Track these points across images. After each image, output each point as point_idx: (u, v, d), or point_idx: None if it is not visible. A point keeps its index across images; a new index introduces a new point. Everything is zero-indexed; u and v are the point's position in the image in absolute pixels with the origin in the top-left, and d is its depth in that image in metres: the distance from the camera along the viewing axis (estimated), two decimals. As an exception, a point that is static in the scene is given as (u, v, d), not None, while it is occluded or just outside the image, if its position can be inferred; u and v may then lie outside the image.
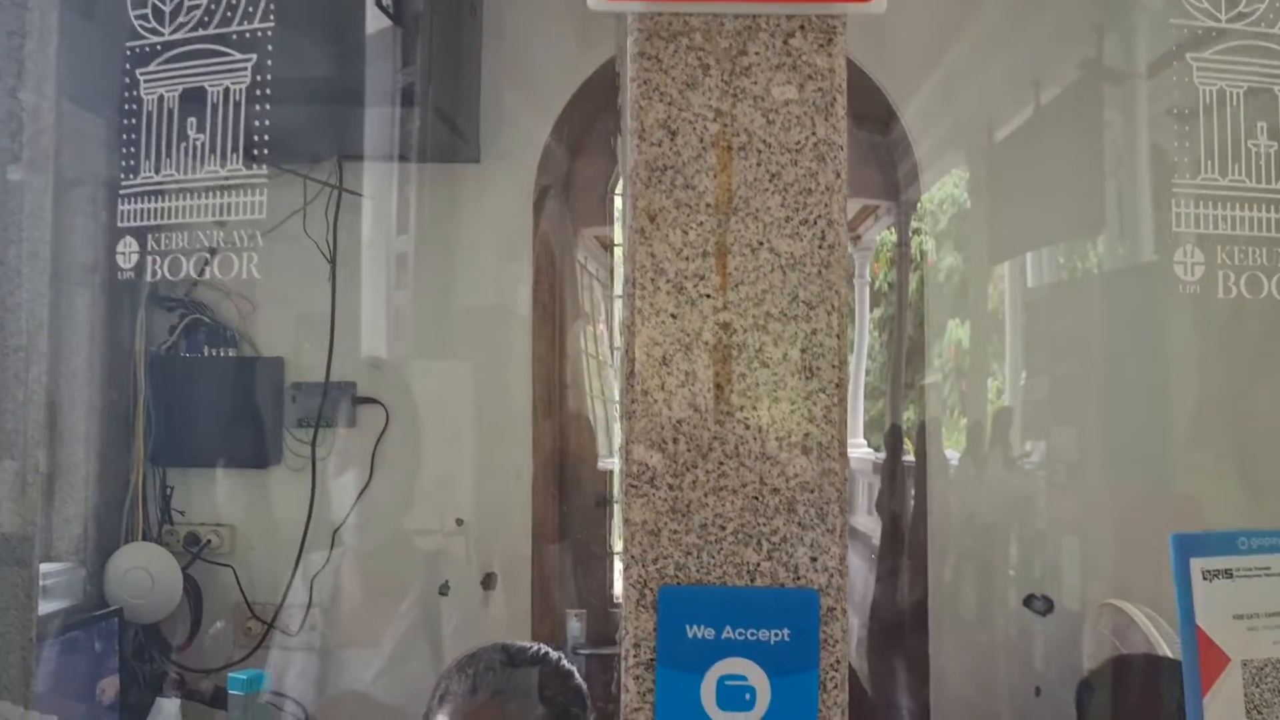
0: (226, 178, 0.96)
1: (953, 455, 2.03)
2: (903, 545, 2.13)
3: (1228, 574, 0.90)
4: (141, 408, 2.10)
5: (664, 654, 0.74)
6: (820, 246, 0.77)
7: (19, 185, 1.05)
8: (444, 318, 2.13)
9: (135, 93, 1.00)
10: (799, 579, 0.75)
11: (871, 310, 2.60)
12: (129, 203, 0.99)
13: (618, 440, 0.91)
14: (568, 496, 2.21)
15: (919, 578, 2.01)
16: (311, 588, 2.04)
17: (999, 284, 1.97)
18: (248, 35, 0.95)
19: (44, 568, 1.83)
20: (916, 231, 2.16)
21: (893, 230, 2.38)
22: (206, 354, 2.12)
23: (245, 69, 0.95)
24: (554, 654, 1.16)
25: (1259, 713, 0.89)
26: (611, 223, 2.46)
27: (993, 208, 1.97)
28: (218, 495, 2.11)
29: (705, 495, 0.75)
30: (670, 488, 0.76)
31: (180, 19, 0.97)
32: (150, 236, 0.98)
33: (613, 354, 2.50)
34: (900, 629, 2.08)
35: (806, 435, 0.76)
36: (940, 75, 1.95)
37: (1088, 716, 1.57)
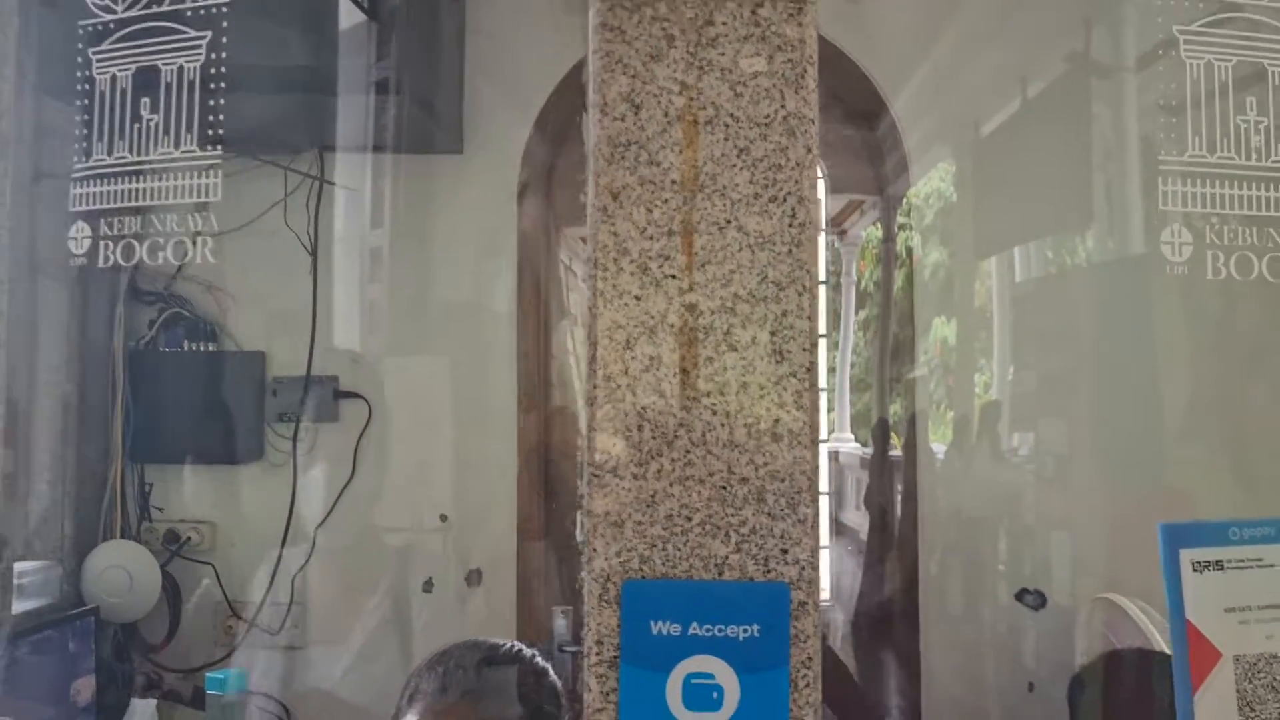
0: (180, 159, 0.93)
1: (939, 449, 2.01)
2: (891, 539, 2.11)
3: (1219, 565, 0.87)
4: (120, 403, 2.07)
5: (628, 651, 0.71)
6: (791, 224, 0.74)
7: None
8: (428, 311, 2.10)
9: (88, 73, 0.97)
10: (769, 572, 0.72)
11: (858, 312, 2.57)
12: (81, 186, 0.96)
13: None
14: (553, 493, 2.18)
15: (907, 571, 1.98)
16: (293, 585, 2.01)
17: (986, 280, 1.94)
18: (203, 12, 0.92)
19: (19, 566, 1.80)
20: (903, 227, 2.14)
21: (878, 226, 2.35)
22: (186, 348, 2.09)
23: (200, 46, 0.92)
24: (528, 651, 1.13)
25: (1251, 709, 0.85)
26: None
27: (979, 202, 1.94)
28: (197, 492, 2.08)
29: (671, 485, 0.72)
30: (634, 477, 0.72)
31: (134, -6, 0.94)
32: (104, 221, 0.95)
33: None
34: (889, 623, 2.06)
35: (776, 422, 0.72)
36: (928, 69, 1.93)
37: (1080, 713, 1.54)
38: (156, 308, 2.12)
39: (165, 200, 0.96)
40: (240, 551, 2.06)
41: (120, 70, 0.94)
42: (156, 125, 0.93)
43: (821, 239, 2.53)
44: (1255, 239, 0.90)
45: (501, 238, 2.11)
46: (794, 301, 0.73)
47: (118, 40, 0.94)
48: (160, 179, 0.94)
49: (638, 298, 0.73)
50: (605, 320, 0.73)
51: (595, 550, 0.72)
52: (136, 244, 0.98)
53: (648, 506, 0.72)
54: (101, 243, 0.97)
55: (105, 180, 0.94)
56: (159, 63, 0.92)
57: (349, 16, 1.52)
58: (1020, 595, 1.90)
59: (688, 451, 0.72)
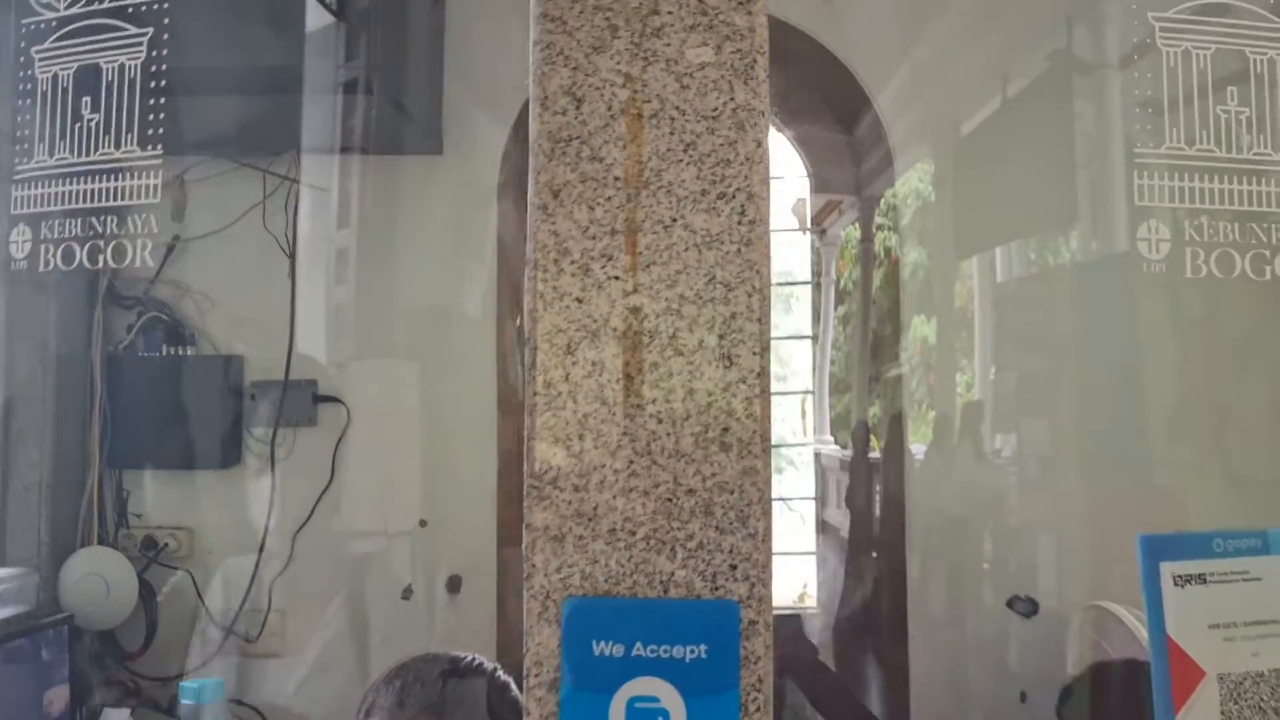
0: (120, 159, 0.90)
1: (919, 449, 1.97)
2: (871, 541, 2.07)
3: (1201, 579, 0.83)
4: (98, 408, 2.04)
5: (568, 673, 0.67)
6: (740, 222, 0.70)
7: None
8: (407, 314, 2.07)
9: (30, 72, 0.94)
10: (717, 589, 0.68)
11: (837, 307, 2.54)
12: (23, 188, 0.93)
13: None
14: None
15: (893, 578, 1.94)
16: (271, 592, 1.98)
17: (967, 280, 1.90)
18: (144, 9, 0.88)
19: (-8, 573, 1.78)
20: (880, 228, 2.11)
21: (857, 226, 2.32)
22: (165, 353, 2.07)
23: (140, 44, 0.88)
24: (489, 664, 1.10)
25: (1236, 730, 0.81)
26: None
27: (960, 202, 1.91)
28: (176, 498, 2.05)
29: (614, 497, 0.68)
30: (575, 489, 0.69)
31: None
32: (44, 223, 0.92)
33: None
34: (871, 628, 2.02)
35: (725, 430, 0.69)
36: (908, 68, 1.89)
37: (1070, 724, 1.50)
38: (135, 312, 2.09)
39: (103, 203, 0.92)
40: (218, 558, 2.03)
41: (63, 69, 0.91)
42: (97, 125, 0.90)
43: (808, 239, 2.51)
44: (1237, 235, 0.86)
45: (480, 240, 2.08)
46: (744, 303, 0.69)
47: (60, 38, 0.91)
48: (99, 180, 0.91)
49: (579, 300, 0.70)
50: (545, 324, 0.70)
51: (534, 566, 0.69)
52: (78, 247, 0.95)
53: (589, 520, 0.68)
54: (41, 246, 0.93)
55: (46, 183, 0.91)
56: (100, 60, 0.89)
57: (319, 17, 1.49)
58: (1011, 603, 1.86)
59: (631, 462, 0.69)
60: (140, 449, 2.05)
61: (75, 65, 0.91)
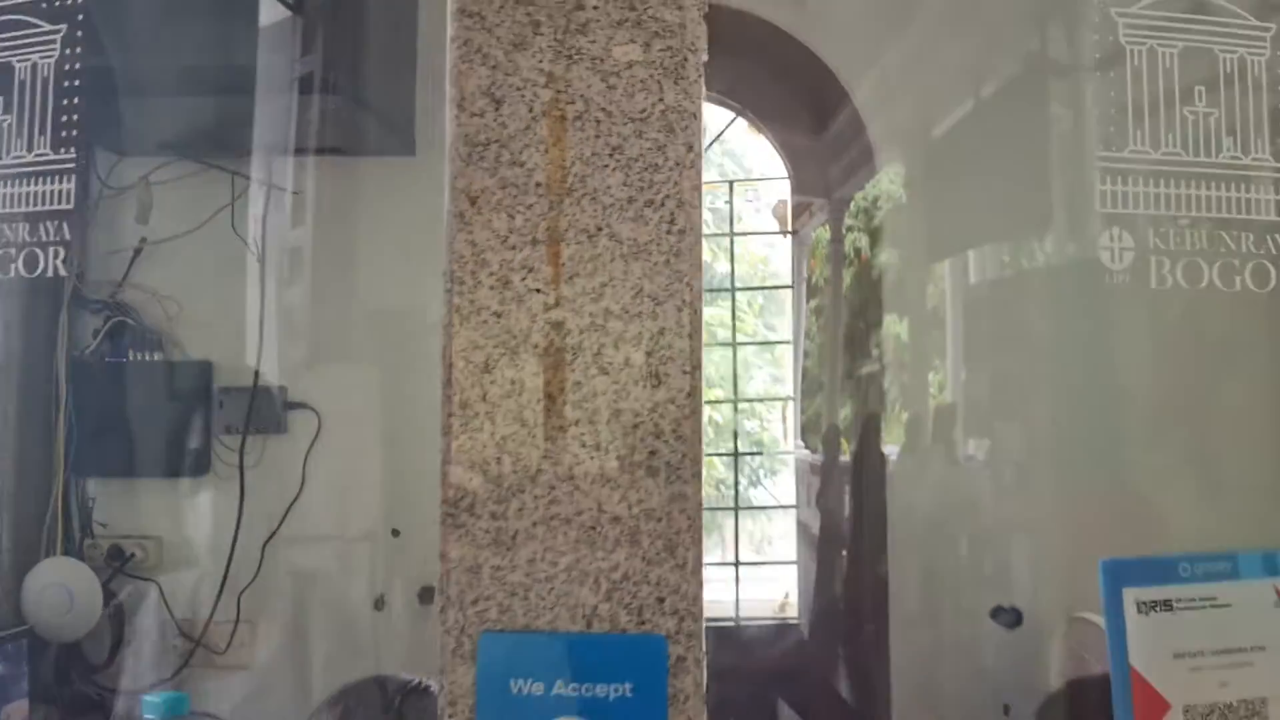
0: (33, 162, 0.86)
1: (892, 450, 1.94)
2: (843, 544, 2.03)
3: (1167, 606, 0.79)
4: (62, 414, 2.00)
5: (484, 712, 0.63)
6: (669, 231, 0.66)
7: None
8: (378, 318, 2.03)
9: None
10: (643, 623, 0.64)
11: (809, 300, 2.51)
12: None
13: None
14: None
15: (873, 581, 1.91)
16: (239, 603, 1.94)
17: (940, 281, 1.87)
18: (58, 5, 0.85)
19: (-48, 585, 1.74)
20: (850, 229, 2.07)
21: (827, 227, 2.29)
22: (131, 358, 2.03)
23: (54, 41, 0.85)
24: (435, 687, 1.05)
25: (1205, 763, 0.77)
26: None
27: (931, 204, 1.87)
28: (142, 506, 2.01)
29: (533, 525, 0.64)
30: (493, 516, 0.65)
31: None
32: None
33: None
34: (850, 638, 1.98)
35: (652, 454, 0.64)
36: (879, 71, 1.85)
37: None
38: (102, 316, 2.05)
39: (14, 208, 0.88)
40: (186, 568, 1.99)
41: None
42: (9, 126, 0.86)
43: (789, 241, 2.47)
44: (1205, 243, 0.81)
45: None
46: (673, 318, 0.65)
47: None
48: (12, 185, 0.87)
49: (498, 314, 0.66)
50: (461, 339, 0.66)
51: (449, 599, 0.65)
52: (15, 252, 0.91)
53: (507, 550, 0.64)
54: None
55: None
56: (13, 59, 0.85)
57: (274, 12, 1.44)
58: (995, 613, 1.82)
59: (553, 488, 0.65)
60: (106, 456, 2.01)
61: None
